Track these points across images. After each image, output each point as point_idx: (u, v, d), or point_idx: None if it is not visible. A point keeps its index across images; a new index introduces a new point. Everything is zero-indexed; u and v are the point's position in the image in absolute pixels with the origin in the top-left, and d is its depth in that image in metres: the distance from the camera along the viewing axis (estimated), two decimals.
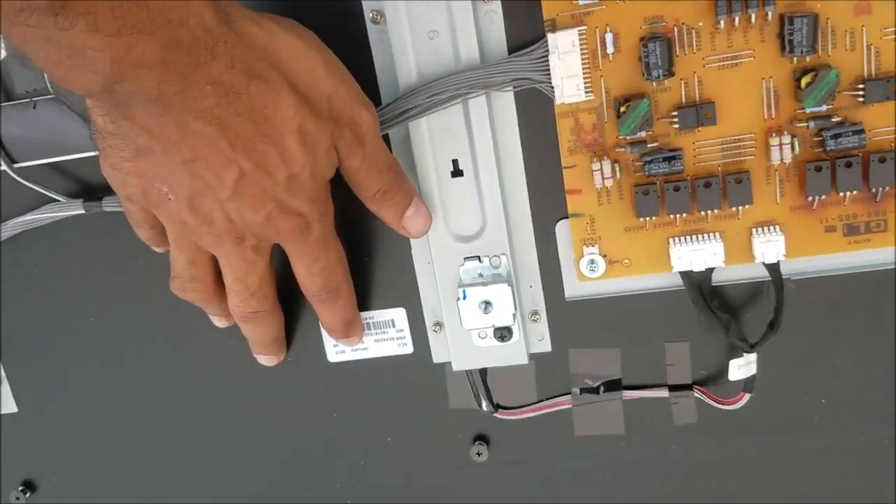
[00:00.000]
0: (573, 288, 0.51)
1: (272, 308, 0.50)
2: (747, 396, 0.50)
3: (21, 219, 0.53)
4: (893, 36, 0.43)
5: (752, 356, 0.49)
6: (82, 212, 0.52)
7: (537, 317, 0.52)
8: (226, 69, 0.37)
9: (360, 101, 0.43)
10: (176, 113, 0.37)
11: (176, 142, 0.38)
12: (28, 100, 0.51)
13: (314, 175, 0.42)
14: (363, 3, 0.47)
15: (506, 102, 0.48)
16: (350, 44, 0.48)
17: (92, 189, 0.53)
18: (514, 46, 0.47)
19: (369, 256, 0.53)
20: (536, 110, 0.48)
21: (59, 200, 0.53)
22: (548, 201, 0.50)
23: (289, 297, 0.53)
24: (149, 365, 0.57)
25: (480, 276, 0.50)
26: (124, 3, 0.32)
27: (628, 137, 0.46)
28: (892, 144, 0.45)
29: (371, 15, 0.47)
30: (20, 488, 0.63)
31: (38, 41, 0.33)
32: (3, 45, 0.50)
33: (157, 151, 0.39)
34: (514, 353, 0.52)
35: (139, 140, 0.39)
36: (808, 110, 0.44)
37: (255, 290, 0.48)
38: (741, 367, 0.49)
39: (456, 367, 0.53)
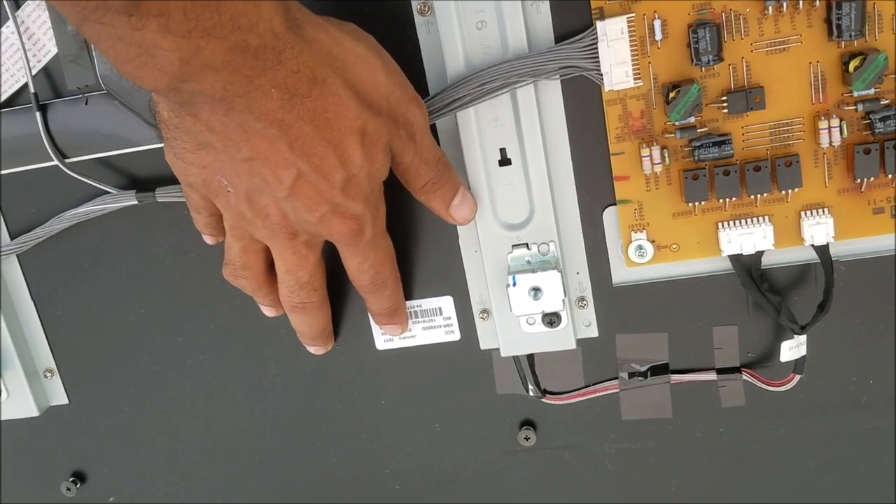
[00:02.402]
0: (621, 274, 0.52)
1: (321, 300, 0.51)
2: (797, 378, 0.50)
3: (74, 211, 0.54)
4: None
5: (803, 338, 0.49)
6: (135, 203, 0.53)
7: (584, 303, 0.53)
8: (291, 73, 0.37)
9: (414, 99, 0.44)
10: (239, 113, 0.38)
11: (237, 140, 0.39)
12: (80, 96, 0.52)
13: (371, 175, 0.43)
14: None
15: (553, 91, 0.48)
16: (398, 35, 0.48)
17: (143, 182, 0.54)
18: (561, 35, 0.47)
19: (416, 246, 0.54)
20: (583, 98, 0.48)
21: (111, 193, 0.53)
22: (595, 188, 0.50)
23: (338, 286, 0.54)
24: (200, 356, 0.58)
25: (528, 263, 0.51)
26: (196, 6, 0.33)
27: (677, 123, 0.46)
28: None
29: (418, 6, 0.48)
30: (71, 479, 0.64)
31: (110, 38, 0.33)
32: (55, 41, 0.51)
33: (218, 147, 0.40)
34: (562, 339, 0.52)
35: (202, 136, 0.40)
36: (856, 94, 0.44)
37: (305, 283, 0.49)
38: (792, 349, 0.49)
39: (504, 353, 0.53)
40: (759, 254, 0.49)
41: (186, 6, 0.33)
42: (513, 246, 0.51)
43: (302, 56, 0.38)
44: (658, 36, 0.45)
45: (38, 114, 0.52)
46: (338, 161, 0.41)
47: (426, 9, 0.48)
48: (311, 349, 0.55)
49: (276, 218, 0.44)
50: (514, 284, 0.50)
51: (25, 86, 0.52)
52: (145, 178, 0.54)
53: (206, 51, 0.34)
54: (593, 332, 0.53)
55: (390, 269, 0.50)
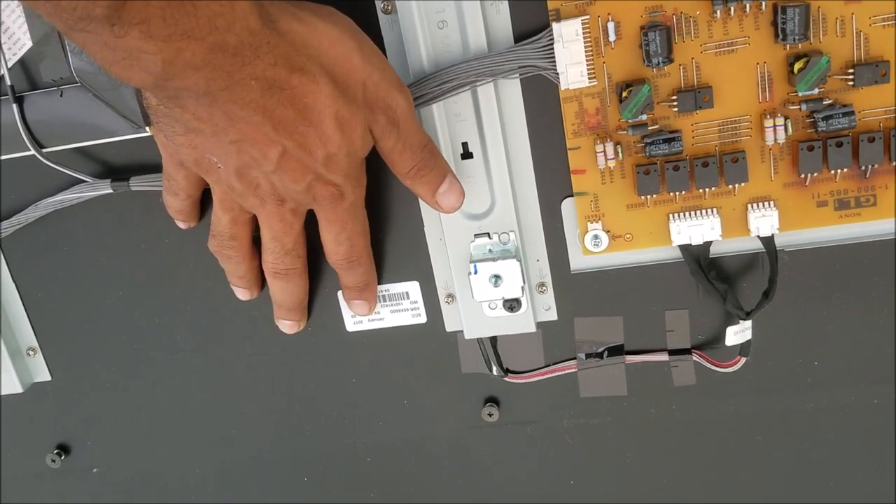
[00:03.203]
0: (578, 261, 0.54)
1: (302, 268, 0.54)
2: (743, 360, 0.53)
3: (52, 199, 0.56)
4: (882, 23, 0.45)
5: (748, 323, 0.52)
6: (110, 191, 0.55)
7: (544, 288, 0.55)
8: (269, 66, 0.40)
9: (395, 85, 0.45)
10: (223, 104, 0.40)
11: (224, 127, 0.42)
12: (55, 88, 0.54)
13: (350, 154, 0.45)
14: None
15: (512, 88, 0.50)
16: (366, 32, 0.50)
17: (118, 170, 0.56)
18: (520, 35, 0.49)
19: (384, 233, 0.56)
20: (542, 95, 0.50)
21: (87, 181, 0.55)
22: (553, 181, 0.52)
23: (310, 270, 0.56)
24: (176, 336, 0.61)
25: (490, 251, 0.53)
26: (175, 12, 0.35)
27: (630, 121, 0.48)
28: (881, 125, 0.47)
29: (382, 5, 0.49)
30: (55, 451, 0.66)
31: (95, 44, 0.35)
32: (30, 35, 0.53)
33: (206, 132, 0.42)
34: (522, 323, 0.55)
35: (190, 124, 0.42)
36: (800, 94, 0.46)
37: (290, 249, 0.52)
38: (737, 334, 0.52)
39: (468, 335, 0.56)
40: (708, 244, 0.51)
41: (165, 13, 0.35)
42: (475, 235, 0.53)
43: (278, 49, 0.40)
44: (612, 37, 0.47)
45: (14, 105, 0.54)
46: (318, 140, 0.43)
47: (389, 8, 0.49)
48: (286, 324, 0.57)
49: (265, 188, 0.46)
50: (476, 272, 0.52)
51: (1, 78, 0.54)
52: (120, 167, 0.56)
53: (187, 52, 0.36)
54: (553, 315, 0.56)
55: (364, 245, 0.52)
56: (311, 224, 0.51)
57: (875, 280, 0.52)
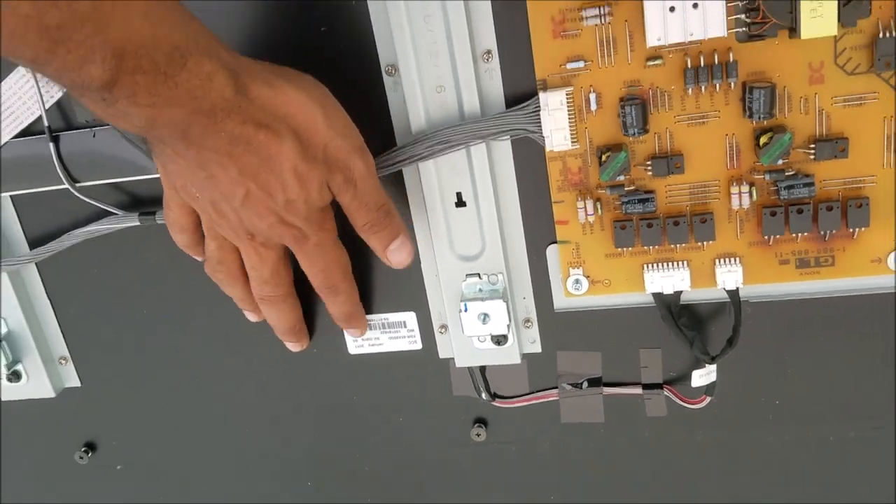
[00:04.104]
0: (561, 301, 0.59)
1: (285, 295, 0.58)
2: (708, 399, 0.58)
3: (84, 229, 0.61)
4: (843, 104, 0.49)
5: (713, 367, 0.57)
6: (138, 224, 0.60)
7: (530, 323, 0.60)
8: (238, 124, 0.45)
9: (356, 149, 0.50)
10: (197, 148, 0.46)
11: (197, 164, 0.47)
12: (88, 129, 0.59)
13: (308, 202, 0.50)
14: (380, 57, 0.54)
15: (504, 146, 0.55)
16: (369, 91, 0.55)
17: (146, 204, 0.61)
18: (512, 98, 0.53)
19: (385, 268, 0.60)
20: (531, 153, 0.55)
21: (117, 214, 0.60)
22: (540, 228, 0.57)
23: (313, 297, 0.61)
24: (190, 350, 0.66)
25: (480, 290, 0.58)
26: (159, 87, 0.41)
27: (607, 182, 0.53)
28: (840, 194, 0.51)
29: (386, 68, 0.54)
30: (83, 449, 0.72)
31: (91, 104, 0.41)
32: None
33: (184, 166, 0.48)
34: (508, 355, 0.60)
35: (172, 158, 0.48)
36: (764, 165, 0.51)
37: (268, 279, 0.56)
38: (702, 377, 0.57)
39: (458, 364, 0.61)
40: (678, 293, 0.56)
41: (151, 88, 0.40)
42: (467, 275, 0.58)
43: (247, 112, 0.45)
44: (593, 107, 0.52)
45: (51, 144, 0.59)
46: (279, 186, 0.48)
47: (393, 70, 0.54)
48: (289, 345, 0.63)
49: (234, 221, 0.51)
50: (466, 310, 0.57)
51: (40, 118, 0.59)
52: (148, 200, 0.61)
53: (167, 114, 0.42)
54: (537, 348, 0.61)
55: (340, 276, 0.57)
56: None
57: (832, 332, 0.56)
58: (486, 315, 0.57)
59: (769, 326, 0.57)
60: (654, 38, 0.48)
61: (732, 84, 0.49)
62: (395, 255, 0.55)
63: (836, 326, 0.56)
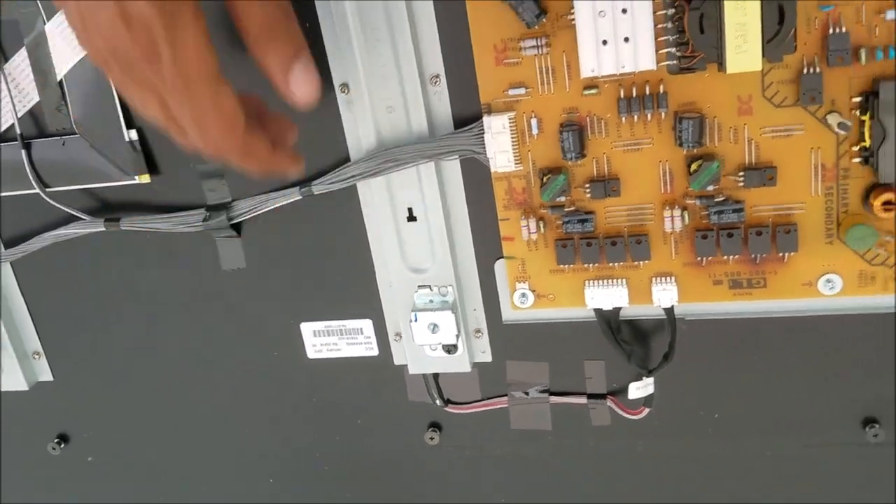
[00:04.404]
0: (508, 314, 0.61)
1: (200, 73, 0.41)
2: (647, 410, 0.60)
3: (53, 233, 0.64)
4: (771, 134, 0.51)
5: (650, 379, 0.59)
6: (103, 229, 0.63)
7: (480, 334, 0.63)
8: None
9: None
10: None
11: None
12: (58, 137, 0.61)
13: None
14: (333, 76, 0.56)
15: (453, 164, 0.57)
16: (325, 108, 0.57)
17: (112, 209, 0.64)
18: (460, 119, 0.56)
19: (342, 276, 0.63)
20: (479, 171, 0.57)
21: (83, 219, 0.63)
22: (488, 243, 0.59)
23: (270, 296, 0.64)
24: (157, 351, 0.69)
25: (431, 301, 0.61)
26: None
27: (548, 202, 0.55)
28: (770, 220, 0.53)
29: (340, 86, 0.56)
30: (56, 440, 0.75)
31: None
32: (38, 91, 0.60)
33: None
34: (458, 363, 0.62)
35: None
36: (695, 191, 0.53)
37: (167, 59, 0.40)
38: (639, 389, 0.59)
39: (411, 371, 0.64)
40: (617, 309, 0.58)
41: None
42: (418, 286, 0.61)
43: None
44: (535, 131, 0.54)
45: (23, 151, 0.62)
46: None
47: (346, 89, 0.56)
48: (273, 170, 0.49)
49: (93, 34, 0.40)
50: (416, 320, 0.60)
51: (13, 126, 0.61)
52: (114, 206, 0.64)
53: None
54: (488, 357, 0.63)
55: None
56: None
57: (766, 350, 0.58)
58: (435, 325, 0.60)
59: (705, 343, 0.59)
60: (587, 70, 0.50)
61: (664, 114, 0.52)
62: (298, 86, 0.44)
63: (770, 345, 0.58)
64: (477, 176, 0.57)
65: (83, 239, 0.65)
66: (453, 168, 0.57)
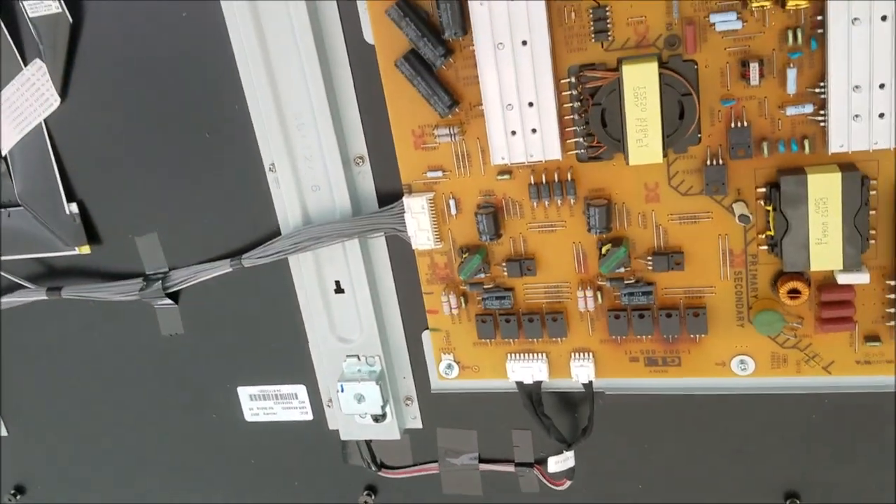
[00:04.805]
0: (436, 383, 0.63)
1: None
2: (569, 482, 0.61)
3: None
4: (678, 220, 0.53)
5: (570, 453, 0.60)
6: (45, 297, 0.64)
7: (410, 401, 0.64)
8: None
9: None
10: None
11: None
12: (3, 209, 0.63)
13: None
14: (262, 156, 0.58)
15: (379, 239, 0.59)
16: (257, 186, 0.59)
17: (55, 277, 0.66)
18: (385, 197, 0.57)
19: (277, 342, 0.65)
20: (405, 246, 0.59)
21: (28, 287, 0.65)
22: (416, 315, 0.61)
23: (211, 358, 0.65)
24: (102, 410, 0.71)
25: (359, 371, 0.62)
26: None
27: (465, 279, 0.56)
28: (681, 302, 0.55)
29: (269, 166, 0.58)
30: (12, 492, 0.77)
31: None
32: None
33: None
34: (388, 431, 0.64)
35: None
36: (605, 273, 0.54)
37: None
38: (559, 462, 0.60)
39: (343, 437, 0.65)
40: (538, 383, 0.59)
41: None
42: (347, 356, 0.62)
43: None
44: (453, 211, 0.55)
45: None
46: None
47: (274, 168, 0.58)
48: None
49: None
50: (342, 391, 0.61)
51: None
52: (59, 273, 0.66)
53: None
54: (419, 424, 0.65)
55: None
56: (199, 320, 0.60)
57: (683, 426, 0.59)
58: (361, 395, 0.61)
59: (625, 417, 0.60)
60: (498, 158, 0.52)
61: (572, 200, 0.53)
62: None
63: (689, 421, 0.59)
64: (404, 250, 0.59)
65: (30, 304, 0.67)
66: (379, 243, 0.59)
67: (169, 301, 0.63)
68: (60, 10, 0.54)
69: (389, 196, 0.57)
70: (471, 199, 0.55)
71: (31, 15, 0.55)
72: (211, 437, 0.69)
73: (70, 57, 0.56)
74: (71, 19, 0.55)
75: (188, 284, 0.62)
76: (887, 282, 0.51)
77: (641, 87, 0.47)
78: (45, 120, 0.59)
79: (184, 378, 0.68)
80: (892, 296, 0.51)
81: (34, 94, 0.58)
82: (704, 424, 0.59)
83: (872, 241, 0.50)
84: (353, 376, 0.62)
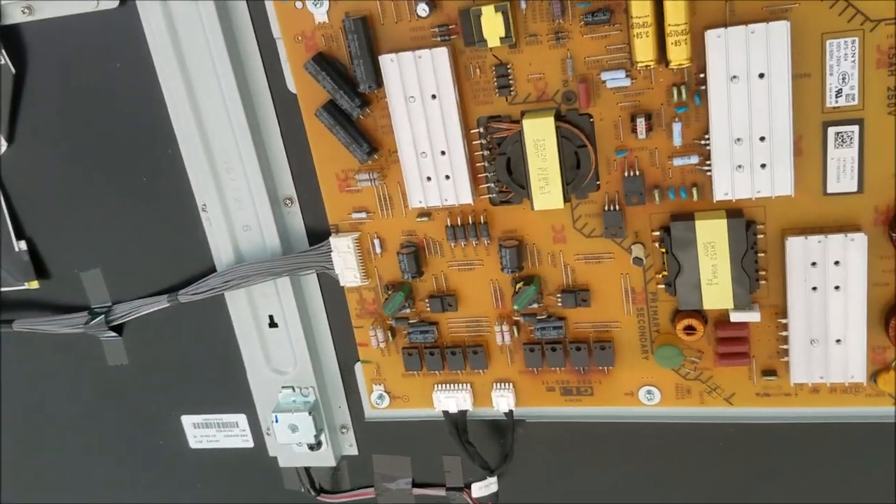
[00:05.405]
0: (369, 412, 0.66)
1: None
2: None
3: None
4: (584, 260, 0.56)
5: (493, 478, 0.63)
6: None
7: (345, 429, 0.67)
8: None
9: None
10: None
11: None
12: None
13: None
14: (195, 197, 0.61)
15: (310, 276, 0.62)
16: (191, 225, 0.62)
17: (8, 310, 0.69)
18: (315, 236, 0.61)
19: (219, 374, 0.68)
20: (335, 281, 0.62)
21: None
22: (348, 347, 0.64)
23: (153, 390, 0.68)
24: (53, 438, 0.73)
25: (294, 402, 0.65)
26: None
27: (392, 315, 0.60)
28: (590, 336, 0.58)
29: (202, 206, 0.61)
30: None
31: None
32: None
33: None
34: (323, 458, 0.67)
35: None
36: (518, 310, 0.57)
37: None
38: (482, 488, 0.63)
39: (281, 464, 0.68)
40: (464, 412, 0.62)
41: None
42: (282, 387, 0.65)
43: None
44: (378, 250, 0.59)
45: None
46: None
47: (206, 209, 0.61)
48: None
49: None
50: (277, 421, 0.64)
51: None
52: (11, 306, 0.68)
53: None
54: (355, 451, 0.68)
55: None
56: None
57: (601, 451, 0.62)
58: (295, 425, 0.64)
59: (545, 444, 0.63)
60: (415, 201, 0.55)
61: (486, 241, 0.56)
62: None
63: (602, 447, 0.62)
64: (335, 285, 0.62)
65: None
66: (311, 278, 0.62)
67: (113, 334, 0.66)
68: (4, 62, 0.57)
69: (320, 234, 0.60)
70: (394, 238, 0.58)
71: None
72: (158, 463, 0.72)
73: (15, 105, 0.60)
74: (14, 70, 0.58)
75: (130, 318, 0.65)
76: (779, 320, 0.54)
77: (541, 139, 0.51)
78: None
79: (130, 407, 0.70)
80: (785, 333, 0.54)
81: None
82: (619, 450, 0.62)
83: (763, 282, 0.53)
84: (287, 407, 0.65)
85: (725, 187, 0.50)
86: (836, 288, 0.51)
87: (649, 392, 0.59)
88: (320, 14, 0.52)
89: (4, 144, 0.61)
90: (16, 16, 0.56)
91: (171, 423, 0.70)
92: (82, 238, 0.64)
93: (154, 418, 0.70)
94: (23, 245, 0.65)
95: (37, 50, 0.58)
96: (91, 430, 0.72)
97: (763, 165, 0.49)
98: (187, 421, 0.70)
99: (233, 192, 0.59)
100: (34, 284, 0.66)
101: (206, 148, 0.58)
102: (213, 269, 0.63)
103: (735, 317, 0.53)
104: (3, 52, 0.57)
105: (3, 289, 0.67)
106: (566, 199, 0.53)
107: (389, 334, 0.61)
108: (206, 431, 0.70)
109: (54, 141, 0.61)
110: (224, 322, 0.65)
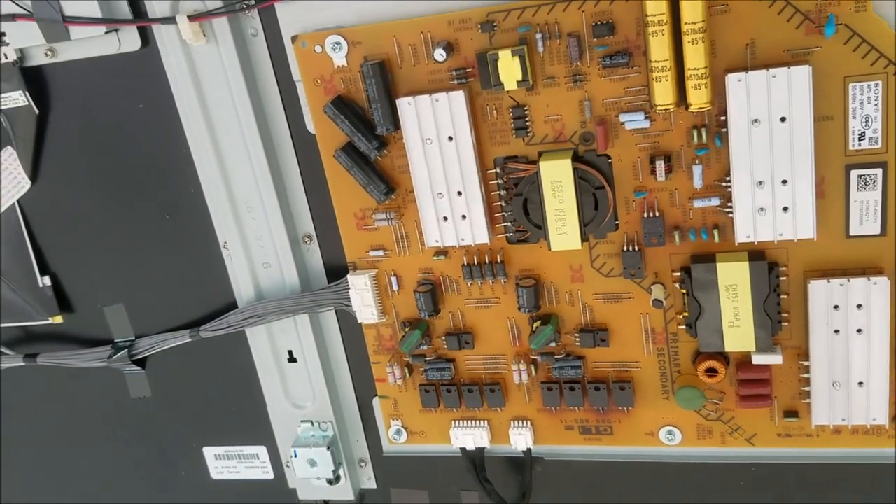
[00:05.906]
0: (387, 447, 0.66)
1: None
2: None
3: None
4: (602, 300, 0.55)
5: None
6: (22, 364, 0.68)
7: (364, 463, 0.67)
8: None
9: None
10: None
11: None
12: None
13: None
14: (217, 235, 0.61)
15: (329, 312, 0.62)
16: (213, 262, 0.62)
17: (33, 343, 0.69)
18: (334, 273, 0.61)
19: (237, 407, 0.68)
20: (353, 318, 0.62)
21: (7, 354, 0.69)
22: (366, 383, 0.64)
23: (175, 417, 0.69)
24: (77, 469, 0.74)
25: (313, 436, 0.65)
26: None
27: (409, 352, 0.60)
28: (609, 376, 0.57)
29: (223, 243, 0.61)
30: None
31: None
32: None
33: None
34: (342, 492, 0.67)
35: None
36: (535, 349, 0.57)
37: None
38: None
39: (300, 496, 0.68)
40: (481, 448, 0.62)
41: None
42: (301, 421, 0.65)
43: None
44: (395, 288, 0.59)
45: None
46: None
47: (227, 247, 0.61)
48: None
49: None
50: (296, 456, 0.64)
51: None
52: (36, 339, 0.69)
53: None
54: (373, 484, 0.68)
55: None
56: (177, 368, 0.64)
57: (619, 490, 0.62)
58: (313, 460, 0.64)
59: (564, 482, 0.63)
60: (432, 241, 0.55)
61: (503, 280, 0.56)
62: None
63: (622, 487, 0.62)
64: (353, 321, 0.62)
65: (9, 369, 0.70)
66: (330, 314, 0.62)
67: (136, 367, 0.67)
68: (27, 102, 0.58)
69: (339, 270, 0.61)
70: (411, 276, 0.58)
71: (1, 107, 0.59)
72: (180, 493, 0.73)
73: (38, 144, 0.60)
74: (37, 111, 0.59)
75: (153, 352, 0.65)
76: (801, 362, 0.53)
77: (558, 180, 0.51)
78: (18, 200, 0.63)
79: (153, 438, 0.71)
80: (807, 375, 0.53)
81: (7, 178, 0.62)
82: (639, 489, 0.62)
83: (786, 324, 0.53)
84: (306, 441, 0.65)
85: (748, 230, 0.49)
86: (859, 331, 0.50)
87: (670, 432, 0.58)
88: (339, 58, 0.52)
89: (28, 183, 0.62)
90: (39, 58, 0.57)
91: (192, 455, 0.71)
92: (106, 274, 0.65)
93: (176, 450, 0.71)
94: (47, 280, 0.66)
95: (60, 91, 0.59)
96: (115, 461, 0.73)
97: (785, 209, 0.49)
98: (209, 452, 0.70)
99: (253, 230, 0.59)
100: (58, 319, 0.67)
101: (228, 187, 0.58)
102: (234, 305, 0.63)
103: (757, 359, 0.53)
104: (27, 92, 0.58)
105: (28, 323, 0.68)
106: (583, 240, 0.52)
107: (406, 371, 0.61)
108: (228, 463, 0.70)
109: (78, 180, 0.62)
110: (244, 356, 0.65)
